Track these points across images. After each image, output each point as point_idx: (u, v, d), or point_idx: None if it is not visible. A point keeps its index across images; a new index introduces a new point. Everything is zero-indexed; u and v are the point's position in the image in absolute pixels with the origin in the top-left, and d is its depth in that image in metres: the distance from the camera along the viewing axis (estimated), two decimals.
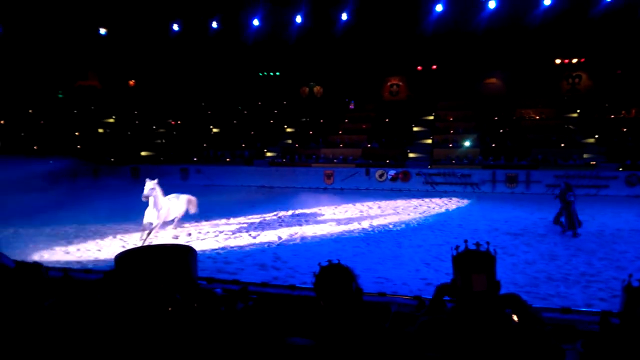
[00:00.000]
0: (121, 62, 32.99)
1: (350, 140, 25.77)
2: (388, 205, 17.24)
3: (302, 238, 11.79)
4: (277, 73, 33.18)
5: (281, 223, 13.90)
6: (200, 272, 8.51)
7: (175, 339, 1.75)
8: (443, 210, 16.17)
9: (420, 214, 15.37)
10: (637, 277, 2.11)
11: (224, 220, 14.25)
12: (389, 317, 3.10)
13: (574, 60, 28.49)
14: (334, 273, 2.30)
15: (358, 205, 17.33)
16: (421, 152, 24.05)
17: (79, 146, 27.77)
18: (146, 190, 10.69)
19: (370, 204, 17.56)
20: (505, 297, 2.42)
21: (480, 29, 25.28)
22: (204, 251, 10.63)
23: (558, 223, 12.08)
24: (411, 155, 23.84)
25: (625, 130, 23.20)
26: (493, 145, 23.36)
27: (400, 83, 31.55)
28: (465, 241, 2.34)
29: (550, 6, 23.26)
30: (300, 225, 13.51)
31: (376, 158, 23.46)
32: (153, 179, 11.04)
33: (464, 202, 17.96)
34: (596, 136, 23.12)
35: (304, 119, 29.28)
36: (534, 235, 11.95)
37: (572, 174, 19.58)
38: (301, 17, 26.38)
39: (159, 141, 28.71)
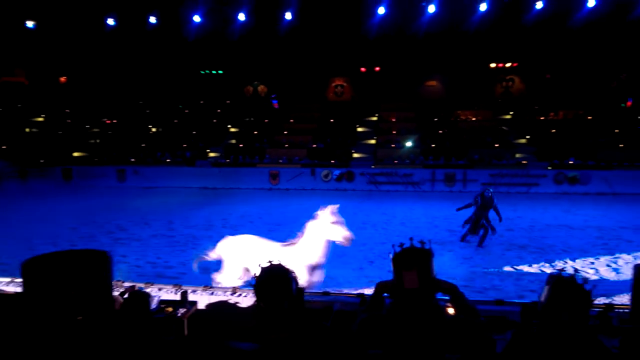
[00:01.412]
0: (51, 57, 30.94)
1: (296, 141, 25.73)
2: (333, 204, 17.36)
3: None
4: (220, 72, 32.54)
5: (225, 224, 13.60)
6: (139, 277, 8.08)
7: (88, 348, 1.62)
8: (386, 208, 16.51)
9: (364, 212, 15.60)
10: (564, 268, 2.21)
11: (165, 224, 13.73)
12: (331, 315, 3.08)
13: (508, 65, 30.19)
14: (274, 274, 2.24)
15: (303, 204, 17.33)
16: (365, 152, 24.46)
17: (4, 147, 25.73)
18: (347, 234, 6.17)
19: (315, 203, 17.60)
20: (444, 287, 2.48)
21: (421, 33, 26.18)
22: (144, 255, 10.18)
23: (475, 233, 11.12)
24: (355, 155, 24.19)
25: (554, 131, 24.88)
26: (433, 145, 24.21)
27: (345, 84, 31.96)
28: (411, 239, 2.37)
29: (486, 12, 24.49)
30: (246, 226, 13.29)
31: (321, 158, 23.58)
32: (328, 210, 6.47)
33: (406, 200, 18.45)
34: (527, 137, 24.60)
35: (248, 119, 28.90)
36: None
37: (506, 172, 20.76)
38: (244, 14, 26.03)
39: (93, 141, 27.20)
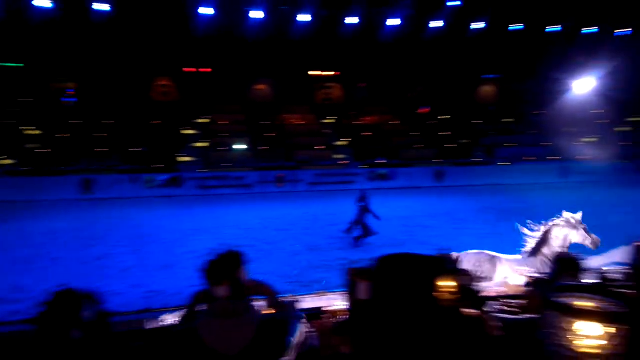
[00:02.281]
0: None
1: (115, 144, 23.40)
2: (160, 212, 16.31)
3: (54, 259, 10.04)
4: (20, 64, 27.61)
5: (25, 244, 11.54)
6: None
7: None
8: (218, 213, 16.19)
9: (195, 218, 15.01)
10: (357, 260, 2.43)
11: None
12: (143, 335, 2.80)
13: (329, 73, 32.69)
14: (58, 300, 1.91)
15: (125, 215, 15.85)
16: (194, 155, 23.64)
17: None
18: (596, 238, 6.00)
19: (139, 212, 16.27)
20: (258, 288, 2.47)
21: (249, 37, 26.49)
22: None
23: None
24: (183, 159, 23.18)
25: (367, 134, 27.83)
26: (263, 148, 24.73)
27: (171, 84, 30.40)
28: (227, 245, 2.31)
29: (308, 23, 26.04)
30: (55, 243, 11.50)
31: (144, 163, 21.92)
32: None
33: (238, 203, 18.40)
34: (346, 139, 26.99)
35: (55, 120, 25.22)
36: (300, 228, 13.10)
37: (328, 172, 22.46)
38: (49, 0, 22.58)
39: None
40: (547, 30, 29.12)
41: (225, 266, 2.14)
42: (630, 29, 29.40)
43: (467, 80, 32.95)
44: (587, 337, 1.08)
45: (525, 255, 6.08)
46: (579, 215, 6.15)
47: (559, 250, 5.84)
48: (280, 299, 2.50)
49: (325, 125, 28.99)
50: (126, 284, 8.37)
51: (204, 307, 2.32)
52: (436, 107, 31.33)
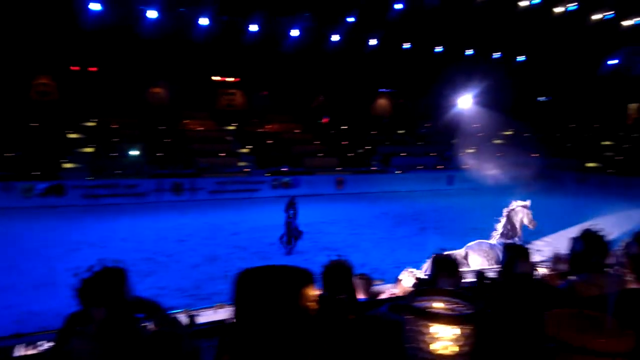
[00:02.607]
0: None
1: None
2: (39, 224, 14.62)
3: None
4: None
5: None
6: None
7: None
8: (107, 224, 14.97)
9: (80, 231, 13.71)
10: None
11: None
12: None
13: (231, 79, 32.11)
14: None
15: None
16: (80, 162, 21.59)
17: None
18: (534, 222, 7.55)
19: (14, 224, 14.43)
20: (143, 305, 2.28)
21: (144, 36, 24.93)
22: None
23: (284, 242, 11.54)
24: (67, 165, 21.05)
25: (270, 142, 27.79)
26: (159, 154, 23.44)
27: (52, 82, 27.57)
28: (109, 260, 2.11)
29: (208, 27, 25.33)
30: None
31: (20, 169, 19.50)
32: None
33: (130, 213, 17.18)
34: (249, 147, 26.70)
35: None
36: (199, 239, 12.61)
37: (230, 180, 21.95)
38: None
39: None
40: (434, 51, 31.71)
41: (102, 285, 1.95)
42: (500, 53, 33.28)
43: (364, 93, 34.61)
44: (438, 339, 1.16)
45: (501, 238, 7.25)
46: (529, 202, 7.53)
47: (519, 229, 7.35)
48: (169, 316, 2.34)
49: (227, 132, 28.41)
50: None
51: (80, 330, 2.10)
52: (336, 117, 32.39)
